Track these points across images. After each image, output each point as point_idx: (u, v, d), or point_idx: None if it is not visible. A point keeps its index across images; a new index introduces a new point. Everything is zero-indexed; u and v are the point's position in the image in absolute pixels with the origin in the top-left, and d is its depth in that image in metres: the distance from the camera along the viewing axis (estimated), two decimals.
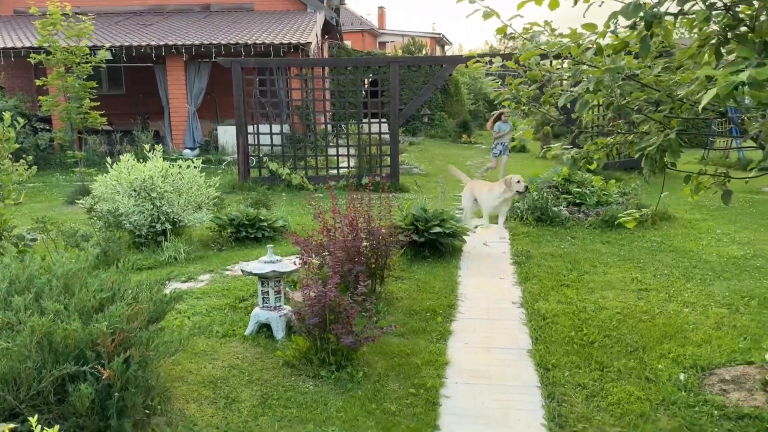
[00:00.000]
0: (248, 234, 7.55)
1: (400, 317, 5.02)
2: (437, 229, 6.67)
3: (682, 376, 3.88)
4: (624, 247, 7.22)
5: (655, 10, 2.78)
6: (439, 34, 39.91)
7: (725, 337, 4.51)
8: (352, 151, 12.41)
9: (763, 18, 3.01)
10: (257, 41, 15.28)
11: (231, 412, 3.55)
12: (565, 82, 3.85)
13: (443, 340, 4.63)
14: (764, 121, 3.21)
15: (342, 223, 5.28)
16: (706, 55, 3.10)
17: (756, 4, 2.79)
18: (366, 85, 17.86)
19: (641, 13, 2.75)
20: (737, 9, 3.07)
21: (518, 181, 7.81)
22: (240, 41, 15.29)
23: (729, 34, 2.94)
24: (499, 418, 3.52)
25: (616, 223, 7.72)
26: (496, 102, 4.43)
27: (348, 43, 26.96)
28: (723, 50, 2.97)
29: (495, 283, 6.03)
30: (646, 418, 3.42)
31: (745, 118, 3.95)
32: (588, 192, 9.04)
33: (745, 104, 3.39)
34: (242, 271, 4.76)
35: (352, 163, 12.31)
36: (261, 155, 12.21)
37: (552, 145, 4.30)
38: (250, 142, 11.95)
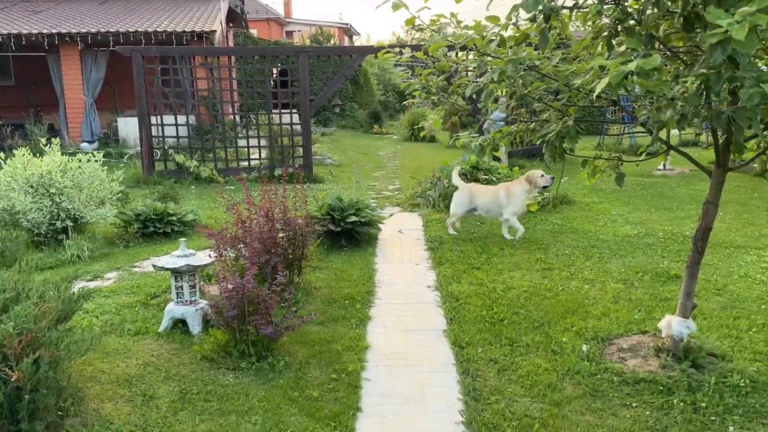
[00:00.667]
0: (156, 229, 7.30)
1: (319, 306, 5.06)
2: (353, 219, 6.74)
3: (584, 347, 4.17)
4: (528, 230, 7.58)
5: (553, 3, 2.97)
6: (347, 24, 39.86)
7: (622, 310, 4.88)
8: (263, 142, 12.23)
9: (649, 12, 3.29)
10: (158, 29, 14.68)
11: (149, 409, 3.46)
12: (471, 72, 4.01)
13: (363, 325, 4.72)
14: (651, 109, 3.49)
15: (257, 214, 5.24)
16: (600, 46, 3.34)
17: None
18: (275, 75, 17.61)
19: (540, 7, 2.93)
20: (626, 3, 3.33)
21: (542, 175, 7.08)
22: (140, 29, 14.63)
23: (619, 27, 3.19)
24: (418, 396, 3.65)
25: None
26: (406, 92, 4.54)
27: (254, 31, 26.37)
28: (614, 42, 3.21)
29: (410, 269, 6.19)
30: (554, 388, 3.66)
31: (636, 106, 4.28)
32: (495, 179, 9.40)
33: (634, 93, 3.67)
34: (154, 266, 4.63)
35: (263, 155, 12.14)
36: (166, 147, 11.78)
37: (460, 134, 4.47)
38: (153, 134, 11.50)
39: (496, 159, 10.82)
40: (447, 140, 16.66)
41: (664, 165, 12.12)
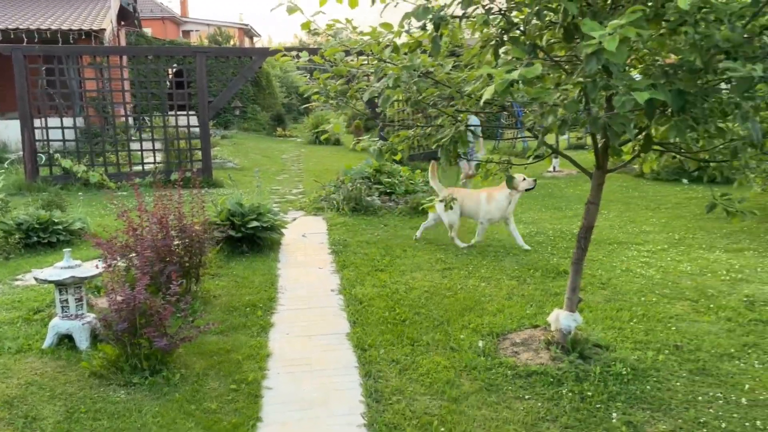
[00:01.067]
0: (41, 239, 6.82)
1: (218, 315, 4.92)
2: (254, 224, 6.61)
3: (480, 343, 4.32)
4: (431, 232, 7.76)
5: (442, 13, 3.06)
6: (247, 25, 39.09)
7: (515, 306, 5.10)
8: (158, 145, 11.73)
9: (534, 22, 3.47)
10: (42, 27, 13.75)
11: (31, 431, 3.23)
12: (371, 77, 4.05)
13: (264, 333, 4.63)
14: (536, 114, 3.68)
15: (150, 221, 5.01)
16: (488, 54, 3.48)
17: (526, 10, 3.19)
18: (171, 76, 16.94)
19: (430, 16, 3.01)
20: (512, 14, 3.48)
21: (524, 179, 6.99)
22: (21, 26, 13.64)
23: (505, 37, 3.33)
24: (321, 401, 3.63)
25: (420, 209, 8.29)
26: (305, 95, 4.52)
27: (148, 30, 25.27)
28: (501, 51, 3.36)
29: (314, 273, 6.15)
30: (452, 384, 3.77)
31: (527, 111, 4.49)
32: (397, 182, 9.56)
33: (521, 99, 3.85)
34: (36, 279, 4.32)
35: (159, 159, 11.65)
36: (52, 152, 11.03)
37: (361, 138, 4.50)
38: (37, 138, 10.75)
39: (399, 163, 10.96)
40: (351, 143, 16.73)
41: (554, 167, 12.80)
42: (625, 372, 3.85)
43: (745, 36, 3.06)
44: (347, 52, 3.91)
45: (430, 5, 3.03)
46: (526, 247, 6.97)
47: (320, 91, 4.27)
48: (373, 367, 4.03)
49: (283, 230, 7.37)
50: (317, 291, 5.62)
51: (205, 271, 5.37)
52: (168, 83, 14.39)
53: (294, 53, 4.33)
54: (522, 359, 4.09)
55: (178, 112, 12.26)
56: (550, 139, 4.15)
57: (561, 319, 4.14)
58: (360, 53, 3.93)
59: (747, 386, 3.72)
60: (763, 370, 3.92)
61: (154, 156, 11.46)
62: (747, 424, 3.31)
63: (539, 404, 3.54)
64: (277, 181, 12.23)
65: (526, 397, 3.63)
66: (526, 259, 6.56)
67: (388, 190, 9.42)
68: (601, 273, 6.02)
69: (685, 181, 10.88)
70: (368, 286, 5.64)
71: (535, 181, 7.08)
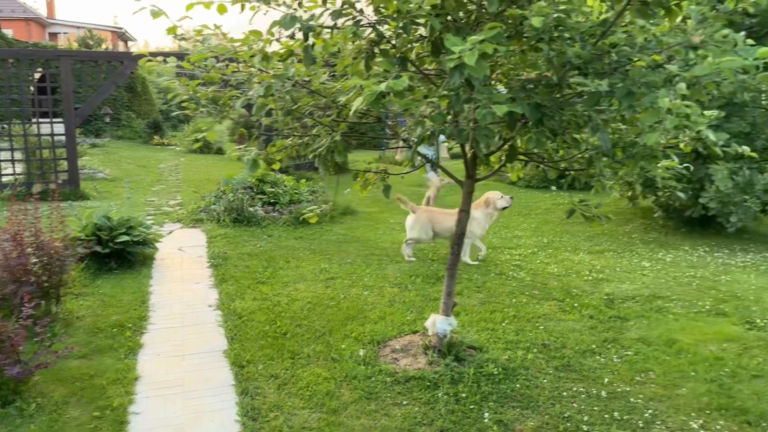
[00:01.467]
0: None
1: (82, 337, 4.56)
2: (124, 238, 6.23)
3: (361, 352, 4.33)
4: (315, 241, 7.73)
5: (311, 23, 3.04)
6: (122, 28, 37.11)
7: (396, 313, 5.17)
8: (18, 155, 10.78)
9: (405, 37, 3.54)
10: None
11: None
12: (250, 84, 3.95)
13: (133, 354, 4.36)
14: (410, 125, 3.76)
15: (1, 239, 4.57)
16: (360, 65, 3.50)
17: (394, 23, 3.24)
18: (35, 81, 15.66)
19: (298, 25, 2.98)
20: (385, 27, 3.53)
21: (501, 197, 6.90)
22: None
23: (376, 49, 3.38)
24: (192, 423, 3.47)
25: (301, 219, 8.22)
26: (173, 103, 4.33)
27: (9, 32, 23.25)
28: (372, 62, 3.39)
29: (190, 289, 5.89)
30: (332, 396, 3.74)
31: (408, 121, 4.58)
32: (281, 191, 9.42)
33: (395, 110, 3.91)
34: None
35: (19, 170, 10.70)
36: None
37: (239, 147, 4.37)
38: None
39: (284, 172, 10.82)
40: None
41: (449, 176, 13.19)
42: (496, 372, 4.01)
43: (596, 53, 3.31)
44: (218, 58, 3.79)
45: (297, 14, 3.01)
46: (470, 261, 6.91)
47: (191, 98, 4.11)
48: (250, 384, 3.90)
49: (158, 244, 7.01)
50: (193, 307, 5.39)
51: (67, 290, 4.98)
52: (31, 88, 13.28)
53: (160, 58, 4.14)
54: (401, 365, 4.15)
55: (42, 120, 11.34)
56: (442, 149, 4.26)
57: (437, 323, 4.24)
58: (232, 60, 3.82)
59: (606, 380, 4.00)
60: (621, 364, 4.24)
61: (14, 167, 10.51)
62: (606, 415, 3.55)
63: (416, 409, 3.60)
64: (153, 192, 11.63)
65: (404, 402, 3.68)
66: (408, 266, 6.69)
67: (272, 200, 9.26)
68: (477, 277, 6.27)
69: (553, 188, 11.62)
70: (248, 299, 5.49)
71: (511, 198, 7.00)
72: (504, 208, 6.97)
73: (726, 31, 3.00)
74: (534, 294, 5.74)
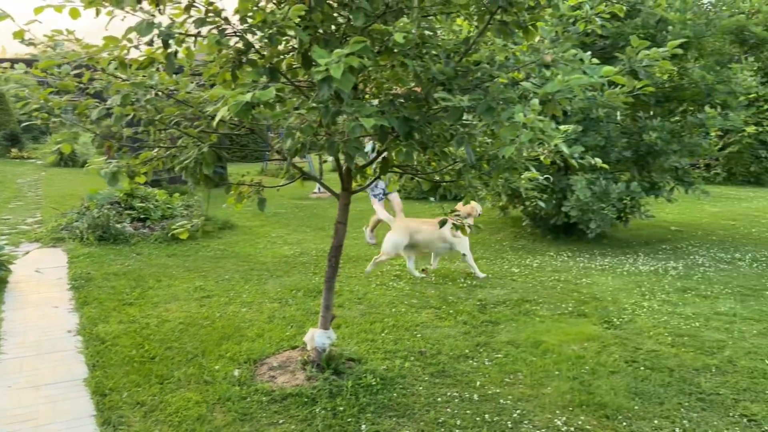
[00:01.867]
0: None
1: None
2: None
3: (236, 372, 4.17)
4: (189, 258, 7.40)
5: (171, 30, 2.91)
6: None
7: (276, 329, 5.05)
8: None
9: (273, 47, 3.48)
10: None
11: None
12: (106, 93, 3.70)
13: None
14: (283, 137, 3.70)
15: None
16: (226, 76, 3.40)
17: (260, 33, 3.18)
18: None
19: (156, 32, 2.84)
20: (255, 36, 3.46)
21: (480, 207, 6.95)
22: None
23: (243, 59, 3.29)
24: None
25: (170, 235, 7.86)
26: (23, 113, 3.97)
27: None
28: (240, 72, 3.30)
29: (47, 313, 5.41)
30: (203, 420, 3.56)
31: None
32: (152, 206, 8.94)
33: (267, 121, 3.84)
34: None
35: None
36: None
37: (93, 160, 4.08)
38: None
39: (157, 185, 10.28)
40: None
41: (319, 189, 13.18)
42: (374, 382, 4.02)
43: (461, 70, 3.44)
44: (71, 65, 3.53)
45: (156, 21, 2.86)
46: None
47: (42, 107, 3.79)
48: (113, 413, 3.63)
49: (11, 266, 6.40)
50: (51, 333, 4.94)
51: None
52: None
53: (6, 64, 3.79)
54: (278, 383, 4.05)
55: None
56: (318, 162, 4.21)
57: (316, 337, 4.19)
58: (89, 67, 3.57)
59: (478, 383, 4.14)
60: (492, 366, 4.40)
61: None
62: (478, 418, 3.67)
63: (293, 427, 3.52)
64: (9, 210, 10.64)
65: (281, 421, 3.58)
66: (290, 280, 6.58)
67: (141, 216, 8.76)
68: (359, 288, 6.29)
69: (432, 198, 11.95)
70: (113, 323, 5.12)
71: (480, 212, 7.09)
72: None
73: (574, 50, 3.24)
74: (413, 303, 5.85)
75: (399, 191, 9.60)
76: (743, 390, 4.02)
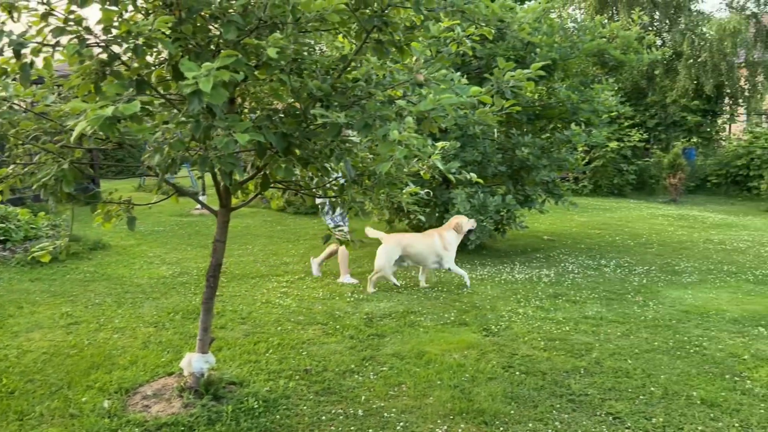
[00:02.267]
0: None
1: None
2: None
3: (106, 404, 3.89)
4: (56, 282, 6.85)
5: (24, 39, 2.70)
6: None
7: (151, 355, 4.78)
8: None
9: (152, 59, 3.33)
10: None
11: None
12: None
13: None
14: (151, 153, 3.52)
15: None
16: (91, 88, 3.19)
17: (125, 45, 3.02)
18: None
19: (6, 40, 2.62)
20: (122, 47, 3.27)
21: (467, 221, 7.10)
22: None
23: (107, 70, 3.11)
24: None
25: (29, 258, 7.25)
26: None
27: None
28: (102, 84, 3.11)
29: None
30: None
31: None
32: (13, 227, 8.20)
33: (129, 136, 3.64)
34: None
35: None
36: None
37: None
38: None
39: (22, 204, 9.45)
40: None
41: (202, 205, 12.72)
42: (257, 405, 3.91)
43: (340, 86, 3.46)
44: None
45: (6, 29, 2.64)
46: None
47: None
48: None
49: None
50: None
51: None
52: None
53: None
54: (153, 412, 3.82)
55: None
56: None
57: (193, 362, 4.01)
58: None
59: (363, 398, 4.14)
60: (377, 380, 4.43)
61: None
62: None
63: None
64: None
65: None
66: (167, 302, 6.27)
67: (1, 238, 7.99)
68: (243, 307, 6.12)
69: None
70: None
71: (475, 221, 7.35)
72: (470, 231, 7.40)
73: (444, 71, 3.36)
74: (299, 320, 5.77)
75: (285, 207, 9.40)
76: (609, 389, 4.32)
